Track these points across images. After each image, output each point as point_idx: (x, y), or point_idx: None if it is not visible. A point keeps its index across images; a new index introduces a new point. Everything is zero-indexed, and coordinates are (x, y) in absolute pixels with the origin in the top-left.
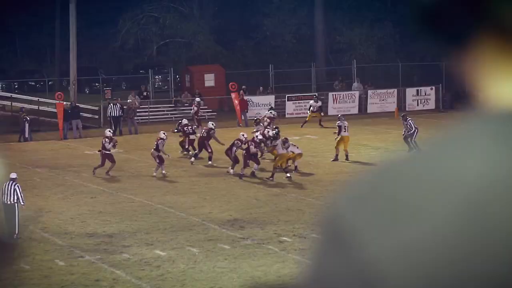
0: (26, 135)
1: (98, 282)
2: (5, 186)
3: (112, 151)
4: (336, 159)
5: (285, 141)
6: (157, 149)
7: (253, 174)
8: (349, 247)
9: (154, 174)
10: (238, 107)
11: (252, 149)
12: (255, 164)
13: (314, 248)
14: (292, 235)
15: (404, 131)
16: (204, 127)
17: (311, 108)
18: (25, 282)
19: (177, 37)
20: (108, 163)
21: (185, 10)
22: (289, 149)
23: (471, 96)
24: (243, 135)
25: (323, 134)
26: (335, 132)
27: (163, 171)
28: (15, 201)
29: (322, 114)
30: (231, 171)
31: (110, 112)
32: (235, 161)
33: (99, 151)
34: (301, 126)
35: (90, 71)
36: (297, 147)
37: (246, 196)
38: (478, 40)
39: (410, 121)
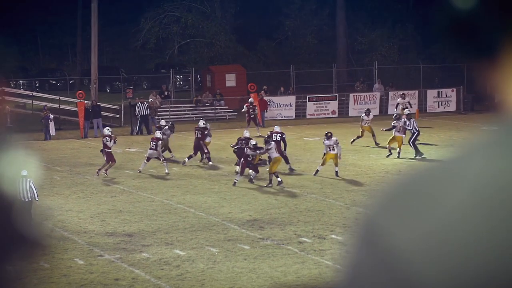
0: (52, 133)
1: (117, 281)
2: (19, 184)
3: (113, 148)
4: (390, 153)
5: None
6: (156, 148)
7: (250, 181)
8: (385, 253)
9: (166, 170)
10: (259, 113)
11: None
12: (253, 172)
13: (350, 253)
14: (312, 236)
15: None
16: (196, 127)
17: (399, 106)
18: (44, 280)
19: (198, 36)
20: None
21: (206, 10)
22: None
23: (493, 100)
24: (251, 141)
25: (344, 135)
26: (384, 129)
27: (166, 170)
28: (31, 198)
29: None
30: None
31: (139, 111)
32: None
33: (101, 150)
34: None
35: (111, 70)
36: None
37: (265, 197)
38: (505, 47)
39: (412, 120)
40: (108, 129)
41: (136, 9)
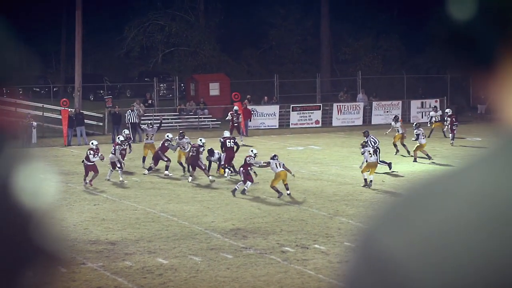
0: (34, 141)
1: None
2: None
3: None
4: (415, 160)
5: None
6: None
7: (243, 192)
8: (382, 264)
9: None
10: (242, 122)
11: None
12: (248, 182)
13: (350, 272)
14: (295, 245)
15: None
16: (193, 145)
17: (434, 118)
18: None
19: (182, 45)
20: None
21: (191, 19)
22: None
23: (476, 111)
24: (252, 151)
25: (327, 145)
26: (415, 139)
27: (121, 178)
28: None
29: (444, 123)
30: (241, 186)
31: (129, 119)
32: (249, 179)
33: (82, 161)
34: (428, 136)
35: (95, 78)
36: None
37: (249, 206)
38: (502, 58)
39: (371, 137)
40: (92, 143)
41: (121, 17)
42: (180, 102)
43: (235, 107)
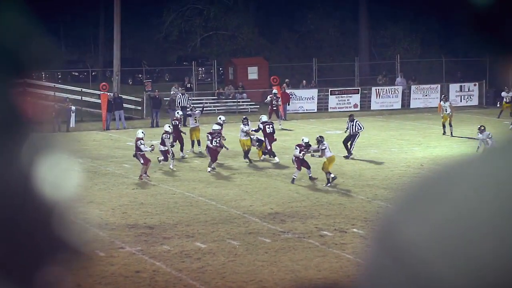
0: (72, 125)
1: (138, 274)
2: None
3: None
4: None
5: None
6: (163, 143)
7: (311, 179)
8: (408, 263)
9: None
10: (280, 101)
11: (297, 153)
12: (303, 169)
13: (370, 263)
14: (333, 230)
15: (347, 132)
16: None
17: (505, 99)
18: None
19: (221, 29)
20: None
21: (229, 2)
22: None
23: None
24: (303, 139)
25: (366, 128)
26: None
27: (171, 166)
28: None
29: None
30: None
31: (179, 102)
32: (307, 166)
33: (134, 155)
34: (498, 117)
35: (134, 62)
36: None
37: (287, 190)
38: None
39: (357, 122)
40: (142, 132)
41: (159, 1)
42: (219, 86)
43: (274, 91)
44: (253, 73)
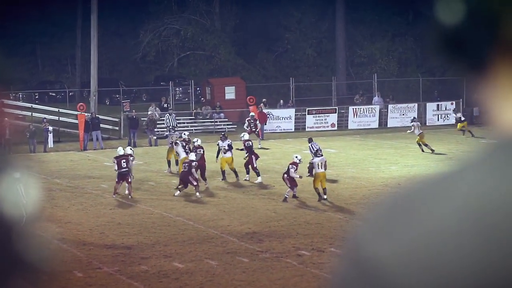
0: (50, 145)
1: None
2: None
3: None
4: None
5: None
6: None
7: (286, 200)
8: (369, 266)
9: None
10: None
11: (292, 172)
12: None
13: (337, 278)
14: (311, 249)
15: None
16: (186, 161)
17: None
18: None
19: (198, 49)
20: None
21: (206, 23)
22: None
23: (487, 116)
24: (296, 157)
25: (343, 148)
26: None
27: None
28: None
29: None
30: (293, 193)
31: (168, 123)
32: (295, 184)
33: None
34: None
35: (111, 83)
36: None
37: (265, 209)
38: (497, 62)
39: (313, 144)
40: (130, 148)
41: (136, 21)
42: (196, 106)
43: (252, 113)
44: (230, 93)
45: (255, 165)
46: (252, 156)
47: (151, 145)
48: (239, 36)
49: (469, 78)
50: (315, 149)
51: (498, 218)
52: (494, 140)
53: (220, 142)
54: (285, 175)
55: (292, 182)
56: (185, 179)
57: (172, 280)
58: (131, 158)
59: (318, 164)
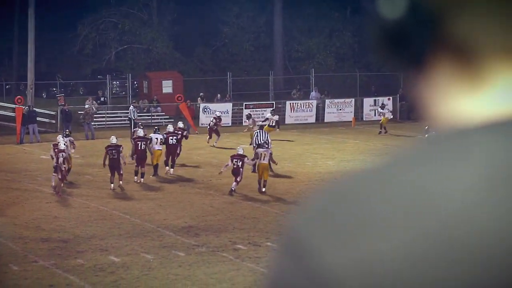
0: None
1: None
2: None
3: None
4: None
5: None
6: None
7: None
8: (308, 263)
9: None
10: (189, 117)
11: (247, 161)
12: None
13: (272, 264)
14: (247, 243)
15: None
16: (109, 148)
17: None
18: None
19: (135, 43)
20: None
21: (144, 17)
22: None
23: (424, 111)
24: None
25: (280, 143)
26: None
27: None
28: None
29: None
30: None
31: (131, 115)
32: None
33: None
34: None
35: (48, 76)
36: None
37: (201, 204)
38: (435, 58)
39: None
40: (64, 144)
41: (74, 15)
42: (133, 99)
43: (217, 113)
44: (167, 87)
45: (176, 158)
46: (179, 146)
47: (87, 139)
48: (177, 30)
49: (408, 74)
50: (262, 141)
51: (429, 210)
52: (429, 133)
53: (152, 135)
54: (239, 168)
55: (238, 174)
56: (115, 166)
57: (108, 274)
58: (121, 148)
59: (260, 155)
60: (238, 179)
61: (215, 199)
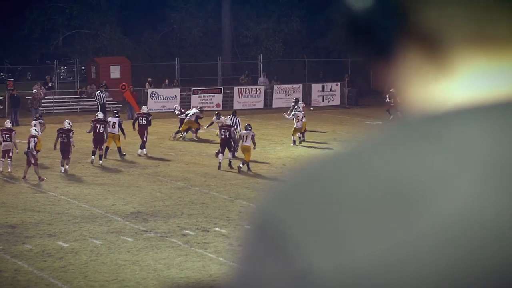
0: None
1: None
2: None
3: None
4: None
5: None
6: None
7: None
8: (282, 254)
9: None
10: (135, 104)
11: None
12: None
13: (243, 253)
14: (196, 229)
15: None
16: (60, 130)
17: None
18: None
19: (83, 28)
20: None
21: (92, 1)
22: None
23: (383, 97)
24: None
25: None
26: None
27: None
28: None
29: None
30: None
31: (99, 99)
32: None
33: (25, 152)
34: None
35: None
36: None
37: (149, 189)
38: (403, 46)
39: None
40: (35, 130)
41: None
42: (81, 85)
43: (195, 110)
44: (115, 72)
45: (145, 139)
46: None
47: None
48: (125, 15)
49: (375, 62)
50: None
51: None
52: (392, 112)
53: (110, 118)
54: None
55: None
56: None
57: (56, 259)
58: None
59: (243, 137)
60: (232, 150)
61: (164, 185)
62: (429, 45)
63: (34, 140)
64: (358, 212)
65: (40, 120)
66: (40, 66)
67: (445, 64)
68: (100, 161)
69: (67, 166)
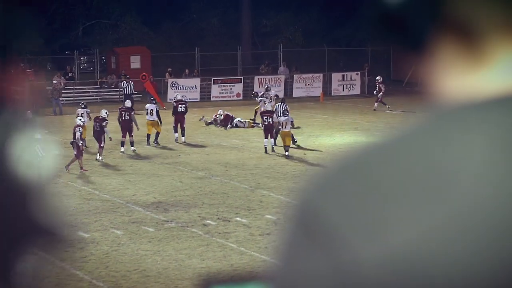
0: None
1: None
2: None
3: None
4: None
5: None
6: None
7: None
8: (328, 246)
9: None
10: (155, 94)
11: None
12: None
13: (284, 248)
14: (216, 219)
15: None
16: (96, 119)
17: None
18: None
19: (103, 18)
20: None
21: None
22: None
23: (414, 87)
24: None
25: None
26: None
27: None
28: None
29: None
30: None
31: (125, 90)
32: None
33: (71, 142)
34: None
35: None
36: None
37: (170, 179)
38: (438, 37)
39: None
40: (80, 119)
41: None
42: (101, 75)
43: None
44: (135, 62)
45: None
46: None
47: (55, 114)
48: (144, 5)
49: (409, 54)
50: (283, 109)
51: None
52: (434, 110)
53: (148, 105)
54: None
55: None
56: (98, 137)
57: (77, 250)
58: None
59: (282, 123)
60: (270, 136)
61: (184, 175)
62: (463, 36)
63: (79, 130)
64: (401, 201)
65: (86, 110)
66: (60, 56)
67: (480, 54)
68: (133, 148)
69: (99, 157)
